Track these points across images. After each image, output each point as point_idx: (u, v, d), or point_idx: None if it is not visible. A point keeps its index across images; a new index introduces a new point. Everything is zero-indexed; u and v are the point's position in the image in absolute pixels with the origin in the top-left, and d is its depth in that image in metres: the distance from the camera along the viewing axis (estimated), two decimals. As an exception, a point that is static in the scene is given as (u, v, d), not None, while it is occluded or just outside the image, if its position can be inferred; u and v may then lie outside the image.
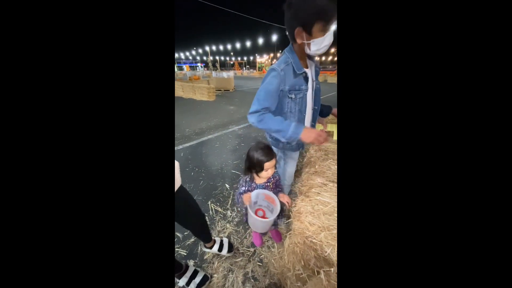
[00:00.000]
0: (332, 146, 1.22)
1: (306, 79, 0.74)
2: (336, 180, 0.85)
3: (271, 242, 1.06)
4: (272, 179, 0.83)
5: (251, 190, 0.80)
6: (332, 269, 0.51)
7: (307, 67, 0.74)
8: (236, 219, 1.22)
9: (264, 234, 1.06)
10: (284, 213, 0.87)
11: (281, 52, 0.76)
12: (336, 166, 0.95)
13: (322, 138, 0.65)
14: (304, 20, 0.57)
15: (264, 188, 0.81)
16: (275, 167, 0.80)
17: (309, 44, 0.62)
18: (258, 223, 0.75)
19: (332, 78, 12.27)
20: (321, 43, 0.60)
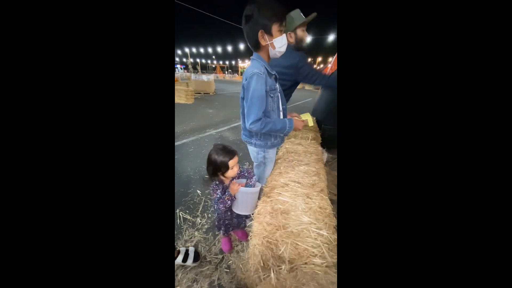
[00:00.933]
0: (299, 148, 1.29)
1: (276, 79, 0.85)
2: (298, 180, 0.89)
3: (240, 246, 1.04)
4: (237, 176, 0.84)
5: (225, 192, 0.79)
6: (283, 266, 0.52)
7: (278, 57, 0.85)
8: (206, 226, 1.17)
9: (230, 230, 1.03)
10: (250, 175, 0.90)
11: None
12: (300, 167, 1.00)
13: (302, 125, 0.89)
14: (264, 24, 0.69)
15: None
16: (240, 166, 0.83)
17: (272, 44, 0.73)
18: (250, 196, 0.78)
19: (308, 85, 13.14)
20: (282, 41, 0.73)
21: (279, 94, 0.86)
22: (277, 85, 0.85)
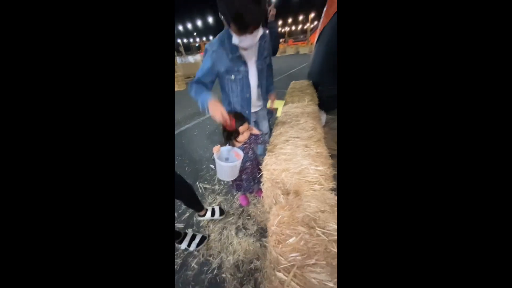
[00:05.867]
0: (297, 110, 1.35)
1: (244, 61, 0.80)
2: (297, 136, 1.00)
3: (256, 200, 1.24)
4: (249, 140, 0.94)
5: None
6: (290, 194, 0.67)
7: (245, 49, 0.78)
8: (224, 191, 1.36)
9: (251, 192, 1.21)
10: (260, 141, 0.96)
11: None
12: (298, 126, 1.10)
13: (224, 119, 0.73)
14: (223, 14, 0.63)
15: (244, 149, 0.92)
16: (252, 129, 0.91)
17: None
18: (225, 168, 0.83)
19: (303, 48, 12.03)
20: (237, 41, 0.68)
21: (248, 75, 0.84)
22: (246, 67, 0.82)
